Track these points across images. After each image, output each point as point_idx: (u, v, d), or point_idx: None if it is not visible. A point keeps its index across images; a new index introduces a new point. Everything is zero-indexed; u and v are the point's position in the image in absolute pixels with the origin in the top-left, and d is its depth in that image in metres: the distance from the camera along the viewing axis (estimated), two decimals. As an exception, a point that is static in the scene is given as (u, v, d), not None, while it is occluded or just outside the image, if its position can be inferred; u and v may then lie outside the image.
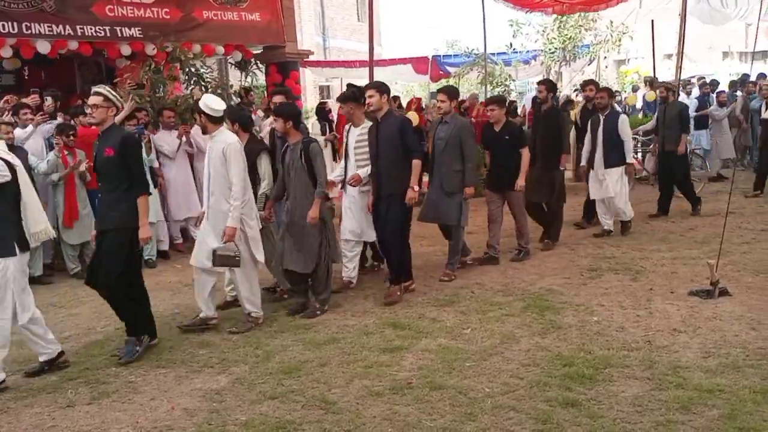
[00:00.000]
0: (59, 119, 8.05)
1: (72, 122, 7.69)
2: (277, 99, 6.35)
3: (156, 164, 7.82)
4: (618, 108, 11.28)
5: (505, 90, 15.29)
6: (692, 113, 12.14)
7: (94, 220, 5.52)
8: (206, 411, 3.82)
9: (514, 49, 16.76)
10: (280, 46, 11.17)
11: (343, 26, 27.07)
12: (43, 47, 8.63)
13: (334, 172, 6.40)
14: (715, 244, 6.07)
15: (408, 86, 27.22)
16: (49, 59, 9.10)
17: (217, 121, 5.09)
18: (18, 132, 7.00)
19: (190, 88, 9.24)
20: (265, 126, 6.81)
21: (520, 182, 6.59)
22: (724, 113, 11.78)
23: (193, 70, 9.44)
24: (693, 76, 17.33)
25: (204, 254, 5.06)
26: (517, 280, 6.15)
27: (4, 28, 8.29)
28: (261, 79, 12.21)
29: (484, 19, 11.90)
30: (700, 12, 12.75)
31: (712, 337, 4.49)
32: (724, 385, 3.72)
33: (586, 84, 8.75)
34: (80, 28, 8.84)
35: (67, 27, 8.75)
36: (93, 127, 5.16)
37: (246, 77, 11.53)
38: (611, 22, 16.17)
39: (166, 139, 8.00)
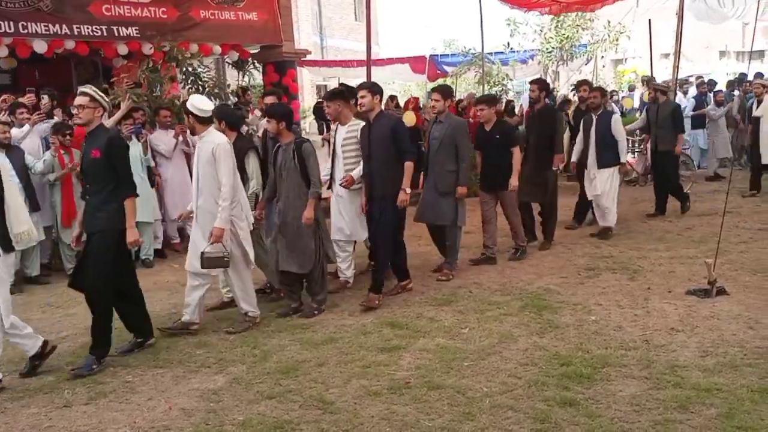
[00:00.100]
0: (56, 118, 8.04)
1: (70, 121, 7.67)
2: (269, 100, 6.33)
3: (153, 164, 7.82)
4: (615, 108, 11.33)
5: (502, 90, 15.25)
6: (690, 113, 12.20)
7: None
8: (203, 411, 3.81)
9: (511, 48, 16.74)
10: (277, 46, 11.15)
11: (341, 26, 27.05)
12: (40, 47, 8.60)
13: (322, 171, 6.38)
14: (712, 244, 6.07)
15: (405, 86, 27.19)
16: (45, 58, 9.08)
17: (205, 121, 5.01)
18: (14, 131, 7.02)
19: (187, 88, 9.23)
20: (262, 126, 6.80)
21: (513, 182, 6.54)
22: (721, 113, 11.80)
23: (190, 69, 9.42)
24: (690, 76, 17.34)
25: (195, 257, 5.01)
26: (514, 279, 6.15)
27: (0, 28, 8.26)
28: (258, 78, 12.19)
29: (481, 18, 11.92)
30: (696, 10, 12.75)
31: (710, 336, 4.49)
32: (721, 384, 3.73)
33: (580, 84, 8.74)
34: (77, 28, 8.82)
35: (64, 26, 8.71)
36: (89, 127, 5.13)
37: (243, 77, 11.52)
38: (608, 21, 16.18)
39: (162, 139, 7.99)
